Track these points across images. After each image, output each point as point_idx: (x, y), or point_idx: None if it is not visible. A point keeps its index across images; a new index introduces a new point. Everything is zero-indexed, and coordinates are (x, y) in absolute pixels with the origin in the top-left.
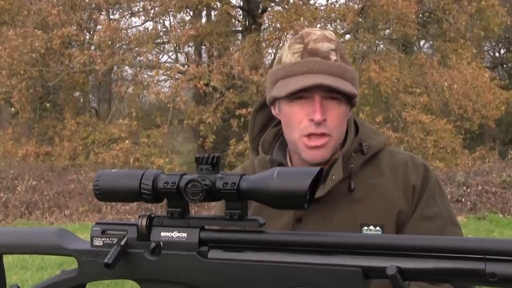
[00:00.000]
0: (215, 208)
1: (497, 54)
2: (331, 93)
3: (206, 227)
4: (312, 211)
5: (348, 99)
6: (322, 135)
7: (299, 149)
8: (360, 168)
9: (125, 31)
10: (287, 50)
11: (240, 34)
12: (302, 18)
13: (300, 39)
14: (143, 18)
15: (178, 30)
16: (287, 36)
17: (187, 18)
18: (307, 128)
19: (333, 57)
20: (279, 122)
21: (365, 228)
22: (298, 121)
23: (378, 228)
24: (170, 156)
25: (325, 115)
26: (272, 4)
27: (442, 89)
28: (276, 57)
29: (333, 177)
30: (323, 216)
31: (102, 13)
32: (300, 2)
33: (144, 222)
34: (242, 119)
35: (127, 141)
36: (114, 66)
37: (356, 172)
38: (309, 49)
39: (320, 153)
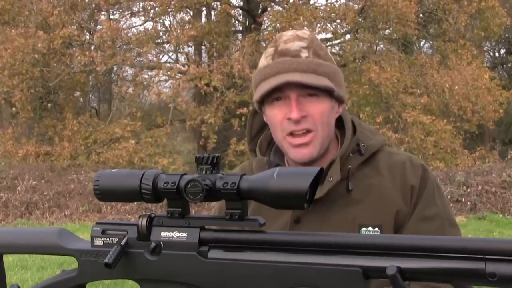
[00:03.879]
0: (215, 208)
1: (497, 54)
2: (307, 90)
3: (206, 227)
4: (310, 212)
5: (329, 94)
6: (306, 132)
7: (285, 150)
8: (358, 168)
9: (125, 31)
10: (263, 56)
11: (241, 34)
12: (301, 18)
13: (273, 43)
14: (143, 18)
15: (178, 30)
16: None
17: (187, 18)
18: (287, 127)
19: (304, 54)
20: None
21: (364, 229)
22: (279, 122)
23: (376, 229)
24: (173, 156)
25: (303, 112)
26: (272, 4)
27: (442, 90)
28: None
29: (331, 178)
30: (321, 217)
31: (103, 13)
32: (300, 2)
33: (144, 222)
34: (243, 119)
35: (132, 141)
36: (115, 66)
37: (354, 173)
38: (280, 50)
39: (306, 151)
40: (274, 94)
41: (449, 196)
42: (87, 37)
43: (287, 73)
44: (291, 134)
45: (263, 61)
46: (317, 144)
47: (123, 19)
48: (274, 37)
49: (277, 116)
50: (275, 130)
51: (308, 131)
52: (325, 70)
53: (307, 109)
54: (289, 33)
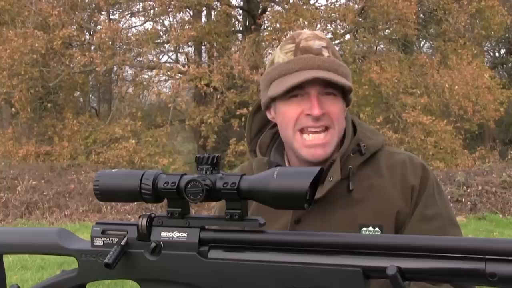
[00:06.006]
0: (215, 208)
1: (497, 54)
2: (327, 88)
3: (206, 227)
4: (311, 212)
5: (343, 95)
6: (325, 129)
7: (295, 147)
8: (358, 168)
9: (125, 32)
10: (279, 51)
11: (241, 34)
12: (301, 19)
13: (291, 40)
14: (142, 18)
15: (178, 30)
16: (287, 36)
17: (187, 18)
18: (304, 123)
19: (326, 53)
20: (276, 124)
21: (364, 229)
22: (295, 118)
23: (377, 228)
24: (173, 156)
25: (323, 109)
26: (272, 4)
27: (442, 90)
28: (269, 60)
29: (331, 178)
30: (322, 217)
31: (102, 13)
32: (300, 2)
33: (144, 222)
34: (243, 119)
35: (132, 141)
36: (114, 67)
37: (355, 173)
38: (302, 47)
39: (321, 152)
40: (293, 91)
41: (449, 196)
42: (87, 37)
43: (311, 69)
44: (302, 130)
45: (281, 57)
46: (333, 144)
47: (123, 19)
48: (289, 34)
49: (293, 111)
50: (286, 126)
51: (326, 128)
52: (344, 71)
53: (326, 107)
54: (307, 32)
